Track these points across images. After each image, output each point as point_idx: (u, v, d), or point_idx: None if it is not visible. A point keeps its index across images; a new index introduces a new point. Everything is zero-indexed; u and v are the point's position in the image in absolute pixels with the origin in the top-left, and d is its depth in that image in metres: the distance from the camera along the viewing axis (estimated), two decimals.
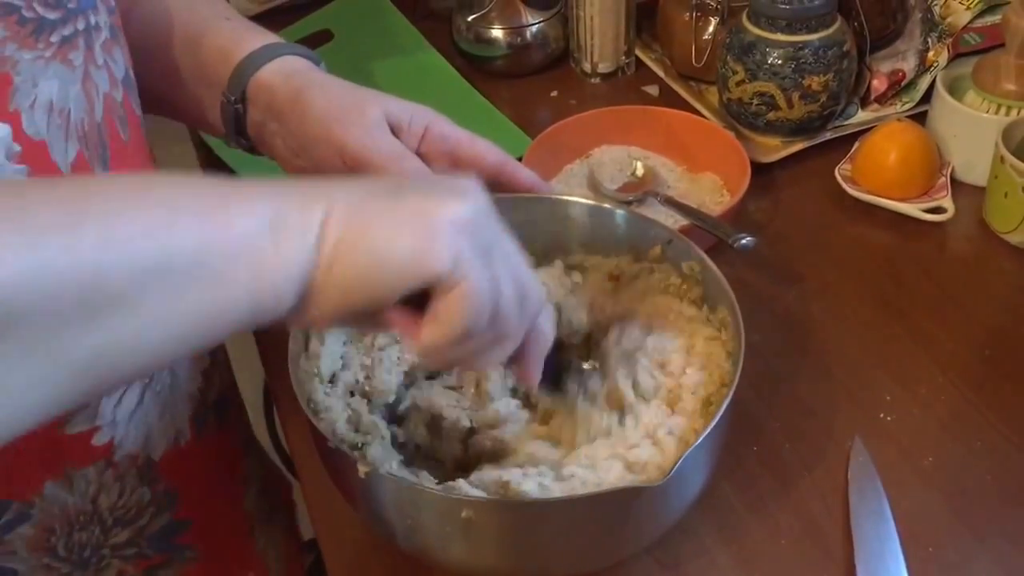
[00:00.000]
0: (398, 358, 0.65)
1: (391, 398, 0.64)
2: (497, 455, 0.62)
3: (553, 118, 0.95)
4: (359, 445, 0.60)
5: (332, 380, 0.63)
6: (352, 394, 0.63)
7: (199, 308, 0.40)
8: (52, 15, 0.54)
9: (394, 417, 0.65)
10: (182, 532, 0.71)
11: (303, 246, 0.41)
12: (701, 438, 0.52)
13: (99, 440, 0.63)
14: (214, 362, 0.75)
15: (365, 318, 0.46)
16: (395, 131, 0.64)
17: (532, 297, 0.48)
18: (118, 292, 0.37)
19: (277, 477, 0.91)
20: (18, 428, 0.38)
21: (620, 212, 0.68)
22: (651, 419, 0.59)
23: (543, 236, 0.69)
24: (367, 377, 0.64)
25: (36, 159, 0.53)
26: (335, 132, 0.63)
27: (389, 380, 0.64)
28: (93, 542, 0.66)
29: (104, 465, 0.64)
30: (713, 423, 0.52)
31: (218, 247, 0.40)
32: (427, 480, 0.57)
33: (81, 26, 0.56)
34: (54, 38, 0.54)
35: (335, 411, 0.60)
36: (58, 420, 0.61)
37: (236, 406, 0.81)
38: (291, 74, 0.66)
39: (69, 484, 0.62)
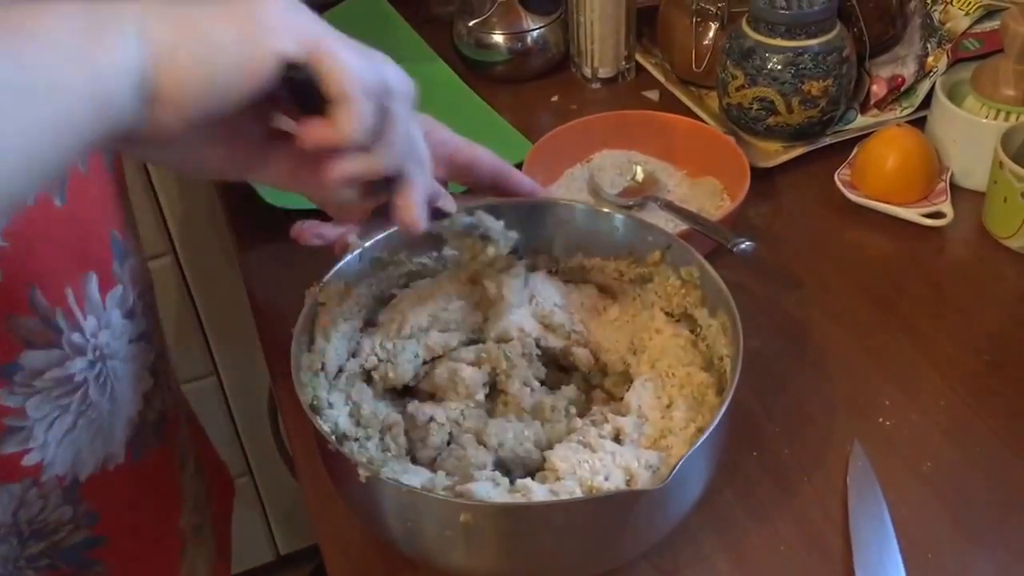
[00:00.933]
0: (415, 355, 0.66)
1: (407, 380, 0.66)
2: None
3: (554, 123, 0.95)
4: (357, 437, 0.60)
5: (337, 375, 0.64)
6: (361, 381, 0.64)
7: (35, 121, 0.39)
8: None
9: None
10: (95, 547, 0.71)
11: (124, 42, 0.41)
12: (700, 442, 0.52)
13: (29, 461, 0.63)
14: (156, 384, 0.74)
15: (249, 141, 0.47)
16: None
17: (404, 89, 0.49)
18: None
19: (217, 487, 0.90)
20: None
21: (619, 216, 0.69)
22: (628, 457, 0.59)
23: (542, 240, 0.70)
24: (388, 360, 0.64)
25: None
26: None
27: (406, 369, 0.65)
28: (12, 554, 0.66)
29: (30, 483, 0.64)
30: (712, 427, 0.53)
31: (34, 56, 0.39)
32: (440, 480, 0.57)
33: None
34: None
35: (337, 406, 0.61)
36: None
37: (178, 422, 0.80)
38: None
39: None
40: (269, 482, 1.52)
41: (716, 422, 0.53)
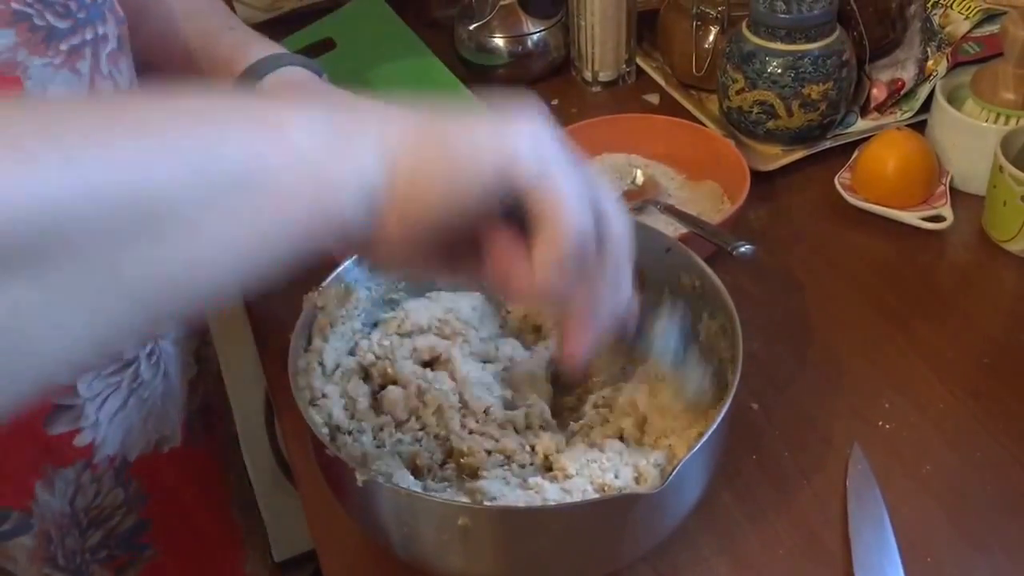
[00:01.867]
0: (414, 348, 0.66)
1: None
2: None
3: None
4: (351, 430, 0.60)
5: (334, 370, 0.64)
6: (358, 377, 0.64)
7: (257, 224, 0.37)
8: (62, 24, 0.55)
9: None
10: (144, 531, 0.72)
11: (365, 155, 0.39)
12: (699, 445, 0.52)
13: (81, 441, 0.64)
14: (200, 372, 0.75)
15: (452, 253, 0.44)
16: None
17: (622, 225, 0.45)
18: (168, 209, 0.34)
19: (251, 500, 0.90)
20: (76, 362, 0.36)
21: None
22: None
23: None
24: (385, 358, 0.64)
25: None
26: None
27: (403, 366, 0.65)
28: (76, 547, 0.67)
29: (83, 466, 0.64)
30: (711, 430, 0.53)
31: (272, 158, 0.37)
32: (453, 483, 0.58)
33: (89, 36, 0.57)
34: (63, 46, 0.55)
35: (332, 399, 0.61)
36: (42, 420, 0.62)
37: (223, 418, 0.81)
38: (295, 84, 0.67)
39: (51, 486, 0.63)
40: (265, 489, 1.51)
41: (715, 425, 0.53)
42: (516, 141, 0.41)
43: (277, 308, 0.82)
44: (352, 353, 0.65)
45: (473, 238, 0.44)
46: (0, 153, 0.31)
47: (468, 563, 0.56)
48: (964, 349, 0.77)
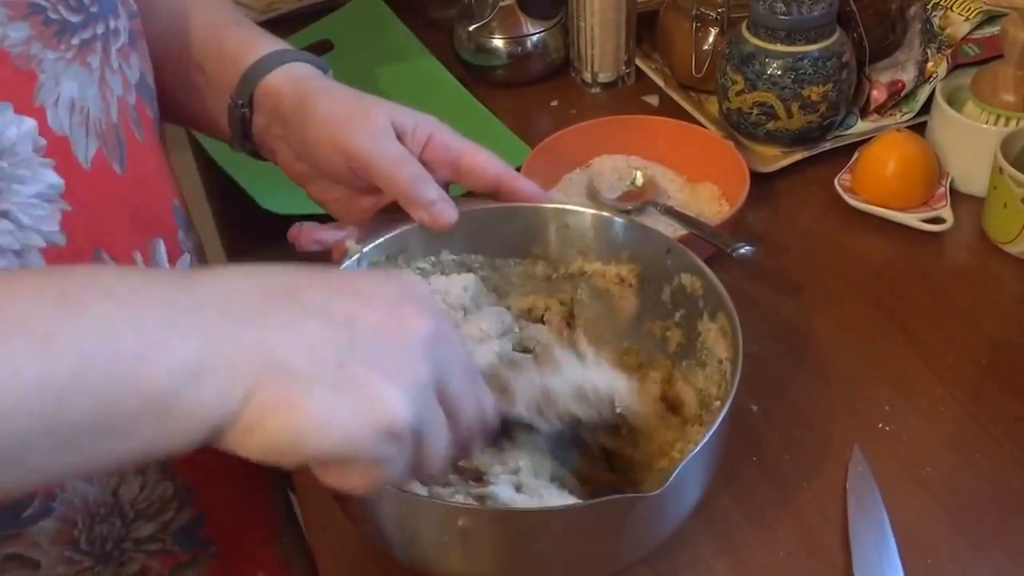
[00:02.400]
0: None
1: None
2: None
3: (553, 127, 0.95)
4: None
5: None
6: None
7: (88, 458, 0.39)
8: (74, 18, 0.55)
9: None
10: (204, 526, 0.71)
11: (220, 405, 0.39)
12: (698, 447, 0.52)
13: None
14: None
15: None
16: (399, 137, 0.65)
17: (487, 408, 0.49)
18: (13, 455, 0.36)
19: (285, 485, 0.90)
20: None
21: (619, 220, 0.69)
22: None
23: (542, 244, 0.70)
24: None
25: (60, 154, 0.54)
26: (339, 136, 0.64)
27: None
28: (115, 535, 0.65)
29: None
30: (710, 432, 0.52)
31: (121, 402, 0.38)
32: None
33: (100, 30, 0.57)
34: (75, 40, 0.55)
35: None
36: None
37: None
38: (298, 80, 0.67)
39: (90, 476, 0.62)
40: None
41: (715, 427, 0.53)
42: (383, 416, 0.42)
43: None
44: None
45: None
46: None
47: (468, 565, 0.56)
48: (964, 351, 0.77)
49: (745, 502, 0.67)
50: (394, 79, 1.07)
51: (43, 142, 0.53)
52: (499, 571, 0.57)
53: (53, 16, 0.54)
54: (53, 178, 0.54)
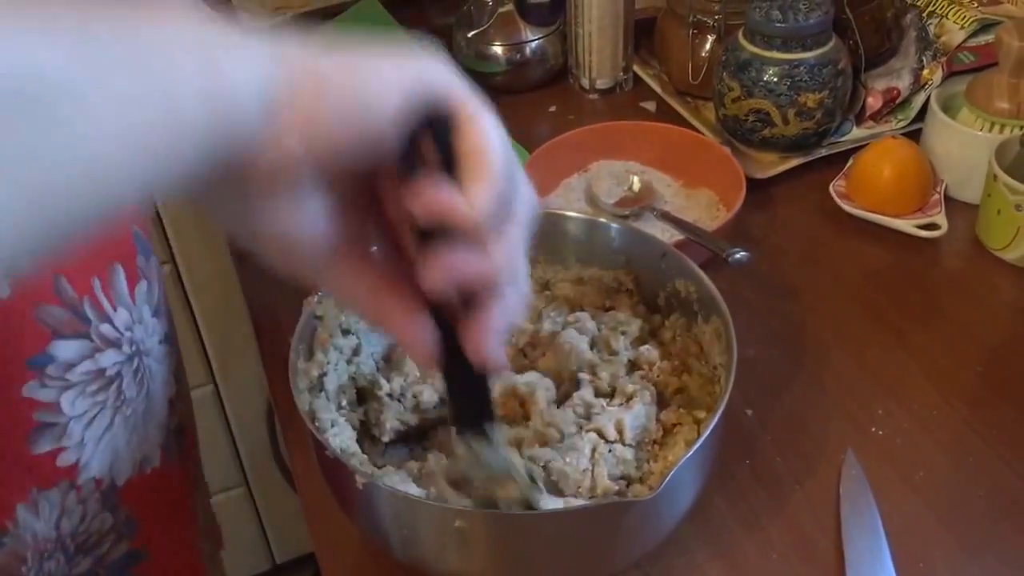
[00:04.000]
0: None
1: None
2: None
3: (552, 133, 0.96)
4: (331, 424, 0.60)
5: (338, 394, 0.64)
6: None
7: (150, 111, 0.33)
8: None
9: None
10: (139, 562, 0.71)
11: (259, 56, 0.37)
12: (692, 451, 0.52)
13: (64, 461, 0.63)
14: (179, 391, 0.75)
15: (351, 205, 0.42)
16: None
17: (530, 205, 0.44)
18: (55, 88, 0.31)
19: (213, 522, 0.89)
20: None
21: (615, 226, 0.69)
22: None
23: (540, 249, 0.70)
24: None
25: None
26: None
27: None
28: (60, 571, 0.66)
29: (67, 487, 0.63)
30: (704, 436, 0.53)
31: (160, 40, 0.34)
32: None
33: None
34: None
35: (339, 425, 0.61)
36: (25, 438, 0.61)
37: (191, 438, 0.80)
38: None
39: (35, 508, 0.62)
40: (265, 491, 1.52)
41: (709, 430, 0.53)
42: (426, 64, 0.40)
43: (278, 314, 0.83)
44: (350, 362, 0.66)
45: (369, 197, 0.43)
46: None
47: (464, 566, 0.57)
48: (958, 356, 0.77)
49: (739, 506, 0.67)
50: None
51: None
52: (494, 572, 0.58)
53: None
54: None
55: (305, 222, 0.41)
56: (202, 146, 0.35)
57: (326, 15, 1.17)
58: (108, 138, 0.33)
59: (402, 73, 0.40)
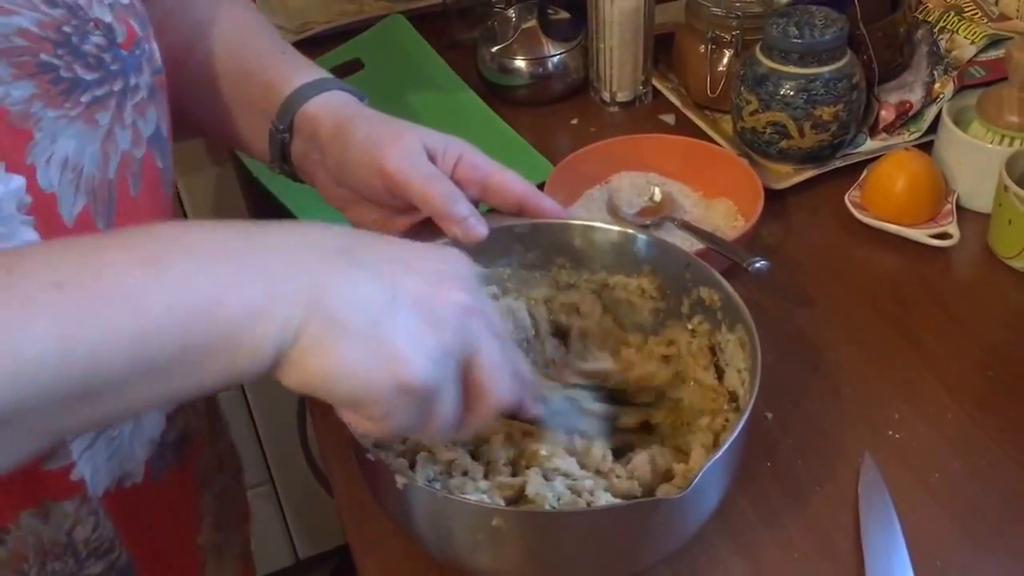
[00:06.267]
0: None
1: None
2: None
3: (573, 145, 0.98)
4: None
5: None
6: None
7: (178, 388, 0.44)
8: (89, 76, 0.55)
9: None
10: (131, 570, 0.71)
11: (279, 339, 0.44)
12: (720, 452, 0.55)
13: (76, 476, 0.64)
14: (181, 406, 0.75)
15: None
16: (431, 158, 0.68)
17: (524, 375, 0.53)
18: (107, 387, 0.41)
19: (233, 509, 0.90)
20: None
21: (642, 237, 0.71)
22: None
23: (568, 258, 0.73)
24: None
25: (44, 211, 0.55)
26: (376, 157, 0.66)
27: None
28: (67, 572, 0.66)
29: (80, 500, 0.65)
30: (732, 438, 0.55)
31: (202, 341, 0.43)
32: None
33: (117, 87, 0.58)
34: (84, 99, 0.55)
35: None
36: (38, 458, 0.62)
37: (200, 445, 0.80)
38: (336, 107, 0.70)
39: (45, 516, 0.63)
40: (289, 487, 1.54)
41: (736, 433, 0.56)
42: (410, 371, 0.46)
43: None
44: None
45: None
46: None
47: (498, 562, 0.58)
48: (970, 362, 0.79)
49: (760, 505, 0.69)
50: (421, 97, 1.10)
51: (28, 199, 0.53)
52: (528, 569, 0.60)
53: (65, 75, 0.54)
54: (30, 235, 0.54)
55: None
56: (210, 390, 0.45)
57: (355, 31, 1.19)
58: (135, 406, 0.44)
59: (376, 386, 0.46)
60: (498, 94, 1.13)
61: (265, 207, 0.95)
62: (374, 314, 0.46)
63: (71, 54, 0.54)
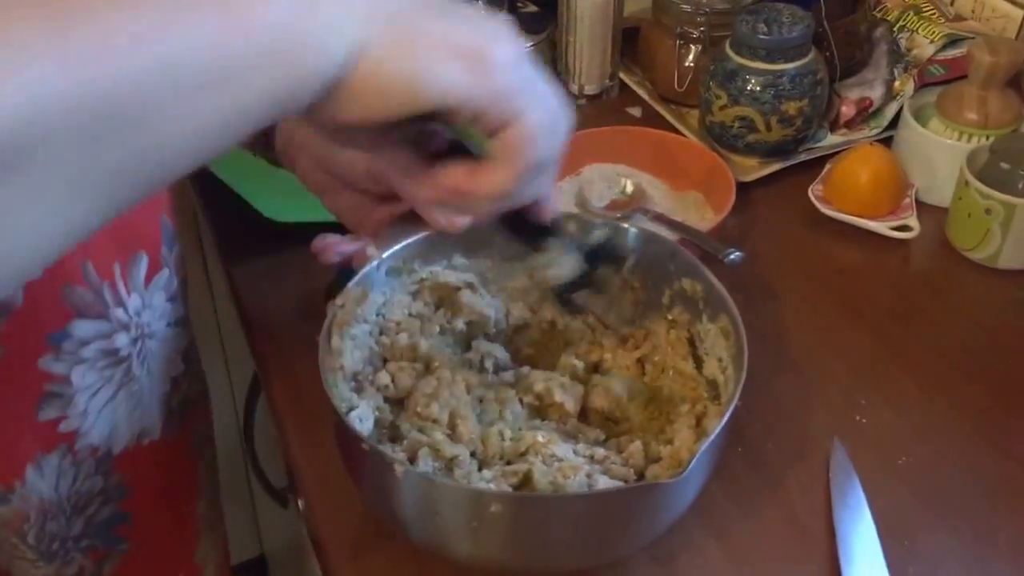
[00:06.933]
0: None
1: None
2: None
3: None
4: (356, 406, 0.63)
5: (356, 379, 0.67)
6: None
7: (222, 110, 0.37)
8: None
9: None
10: (121, 524, 0.73)
11: (338, 43, 0.40)
12: (713, 435, 0.56)
13: (65, 427, 0.66)
14: (187, 370, 0.77)
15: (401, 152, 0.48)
16: None
17: (564, 126, 0.50)
18: (142, 106, 0.35)
19: (217, 492, 0.91)
20: (37, 261, 0.36)
21: (632, 230, 0.72)
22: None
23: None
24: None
25: None
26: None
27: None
28: (61, 534, 0.68)
29: (65, 450, 0.66)
30: (723, 421, 0.57)
31: (239, 46, 0.37)
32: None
33: None
34: None
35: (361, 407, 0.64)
36: (34, 405, 0.64)
37: (200, 411, 0.82)
38: None
39: (41, 471, 0.65)
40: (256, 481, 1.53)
41: (727, 417, 0.57)
42: (486, 68, 0.43)
43: (270, 316, 0.84)
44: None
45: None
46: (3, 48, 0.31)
47: (488, 548, 0.59)
48: (931, 349, 0.82)
49: (733, 490, 0.71)
50: None
51: None
52: (515, 554, 0.60)
53: None
54: None
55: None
56: (269, 117, 0.39)
57: None
58: (185, 137, 0.37)
59: (464, 79, 0.43)
60: None
61: (220, 200, 0.93)
62: (439, 13, 0.43)
63: None
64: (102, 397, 0.67)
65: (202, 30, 0.36)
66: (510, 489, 0.58)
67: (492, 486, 0.58)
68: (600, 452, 0.62)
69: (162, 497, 0.77)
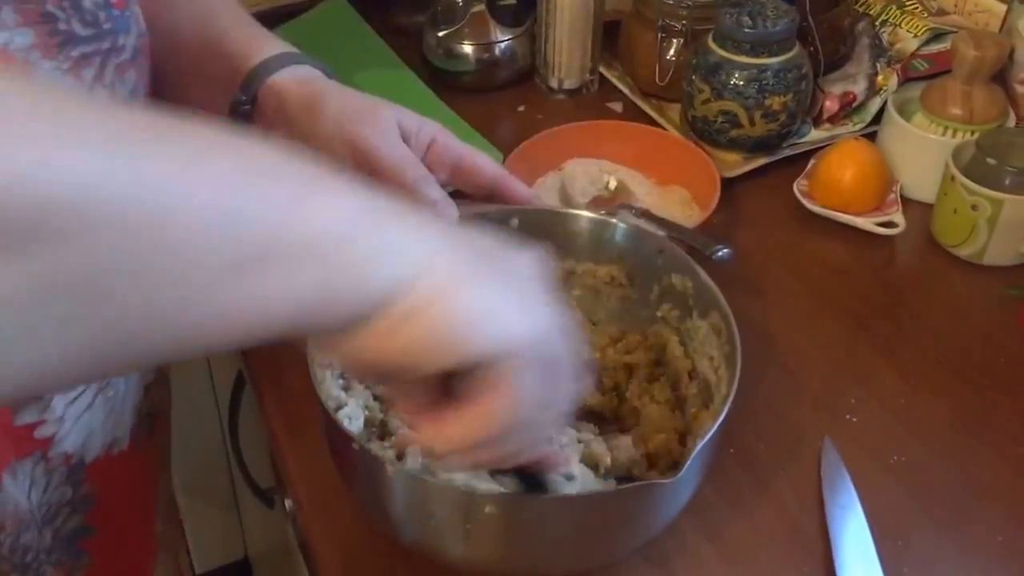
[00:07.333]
0: None
1: None
2: None
3: (519, 132, 0.97)
4: (345, 404, 0.62)
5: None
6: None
7: (247, 293, 0.35)
8: (84, 32, 0.56)
9: None
10: (85, 538, 0.71)
11: (387, 271, 0.37)
12: (709, 435, 0.55)
13: (41, 433, 0.64)
14: (156, 379, 0.75)
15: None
16: (404, 139, 0.67)
17: (563, 407, 0.46)
18: (186, 250, 0.33)
19: (173, 505, 0.90)
20: (31, 380, 0.33)
21: (621, 225, 0.71)
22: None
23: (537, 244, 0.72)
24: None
25: None
26: (349, 130, 0.65)
27: None
28: (34, 545, 0.66)
29: (39, 457, 0.64)
30: (718, 422, 0.56)
31: (283, 232, 0.35)
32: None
33: (105, 46, 0.58)
34: (75, 52, 0.56)
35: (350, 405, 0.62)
36: (11, 409, 0.62)
37: (165, 426, 0.81)
38: (305, 80, 0.68)
39: (15, 477, 0.63)
40: (241, 482, 1.51)
41: (722, 416, 0.56)
42: (520, 336, 0.40)
43: None
44: None
45: None
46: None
47: (481, 550, 0.58)
48: (917, 346, 0.82)
49: (726, 490, 0.70)
50: (362, 83, 1.07)
51: None
52: (509, 556, 0.59)
53: (62, 27, 0.54)
54: None
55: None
56: (299, 327, 0.37)
57: (290, 14, 1.16)
58: (210, 309, 0.34)
59: (490, 346, 0.40)
60: (443, 80, 1.11)
61: None
62: (493, 271, 0.41)
63: (73, 7, 0.55)
64: (81, 403, 0.65)
65: (269, 206, 0.34)
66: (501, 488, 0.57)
67: (484, 485, 0.57)
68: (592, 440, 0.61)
69: (125, 511, 0.75)
